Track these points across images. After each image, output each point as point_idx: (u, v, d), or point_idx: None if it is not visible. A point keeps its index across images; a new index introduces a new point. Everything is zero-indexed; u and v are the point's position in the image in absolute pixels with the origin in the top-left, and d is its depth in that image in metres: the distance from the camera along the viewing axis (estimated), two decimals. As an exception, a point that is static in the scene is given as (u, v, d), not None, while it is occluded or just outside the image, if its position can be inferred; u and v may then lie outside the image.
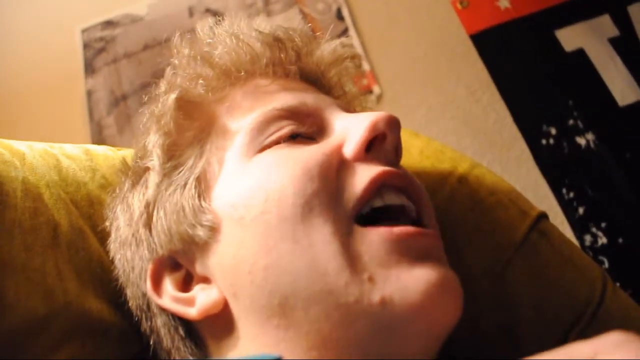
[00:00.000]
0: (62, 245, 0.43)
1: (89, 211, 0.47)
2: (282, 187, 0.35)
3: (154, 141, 0.41)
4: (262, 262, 0.34)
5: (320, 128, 0.40)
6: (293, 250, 0.33)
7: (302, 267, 0.33)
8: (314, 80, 0.47)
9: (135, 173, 0.42)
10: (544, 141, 0.92)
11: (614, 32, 0.96)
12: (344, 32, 1.11)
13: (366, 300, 0.32)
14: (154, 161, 0.40)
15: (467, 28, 1.03)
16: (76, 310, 0.40)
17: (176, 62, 0.43)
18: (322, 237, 0.33)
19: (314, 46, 0.46)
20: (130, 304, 0.41)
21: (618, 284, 0.51)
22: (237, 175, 0.37)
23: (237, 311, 0.35)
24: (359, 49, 1.10)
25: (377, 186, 0.35)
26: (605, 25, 0.97)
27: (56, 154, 0.50)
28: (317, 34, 0.47)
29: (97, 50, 1.23)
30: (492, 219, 0.50)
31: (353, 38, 1.10)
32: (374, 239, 0.33)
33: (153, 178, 0.40)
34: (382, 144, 0.38)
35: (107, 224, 0.44)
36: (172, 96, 0.41)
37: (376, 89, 1.07)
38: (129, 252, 0.40)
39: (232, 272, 0.35)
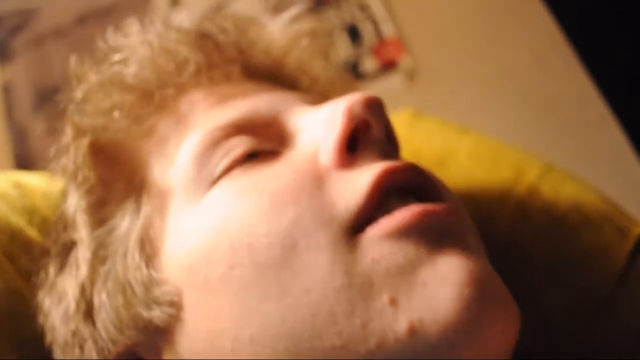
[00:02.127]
0: None
1: (29, 267, 0.47)
2: (250, 227, 0.35)
3: (74, 205, 0.41)
4: (245, 334, 0.34)
5: (282, 136, 0.41)
6: (282, 306, 0.34)
7: (301, 325, 0.33)
8: (268, 74, 0.47)
9: (60, 252, 0.43)
10: (646, 121, 0.92)
11: None
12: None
13: (391, 336, 0.32)
14: (80, 231, 0.41)
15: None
16: None
17: (79, 95, 0.44)
18: (318, 275, 0.33)
19: (257, 31, 0.47)
20: None
21: None
22: (188, 225, 0.38)
23: None
24: (379, 7, 1.10)
25: (382, 191, 0.35)
26: None
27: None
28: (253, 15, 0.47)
29: (12, 28, 1.25)
30: (579, 244, 0.50)
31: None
32: (378, 236, 0.34)
33: (83, 254, 0.41)
34: (367, 134, 0.38)
35: (40, 322, 0.44)
36: (84, 142, 0.41)
37: (405, 62, 1.07)
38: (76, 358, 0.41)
39: (212, 354, 0.36)
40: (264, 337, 0.34)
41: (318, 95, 0.45)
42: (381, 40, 1.10)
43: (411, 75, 1.05)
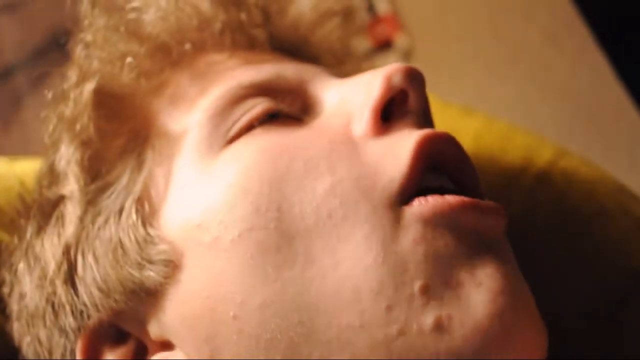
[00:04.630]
0: None
1: None
2: (280, 191, 0.36)
3: (67, 156, 0.42)
4: (255, 300, 0.35)
5: (307, 105, 0.42)
6: (307, 276, 0.34)
7: (321, 299, 0.34)
8: (292, 49, 0.48)
9: (42, 210, 0.43)
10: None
11: None
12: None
13: (415, 327, 0.33)
14: (71, 185, 0.41)
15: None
16: None
17: (89, 37, 0.44)
18: (351, 249, 0.34)
19: (287, 0, 0.48)
20: None
21: None
22: (199, 183, 0.39)
23: None
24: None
25: (425, 159, 0.36)
26: None
27: None
28: None
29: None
30: (594, 237, 0.51)
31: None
32: (424, 216, 0.35)
33: (72, 210, 0.41)
34: (403, 106, 0.39)
35: (5, 291, 0.44)
36: (89, 88, 0.42)
37: (401, 41, 1.07)
38: (43, 329, 0.41)
39: (207, 321, 0.36)
40: (277, 306, 0.35)
41: (342, 74, 0.46)
42: (375, 18, 1.11)
43: (407, 56, 1.05)
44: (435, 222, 0.35)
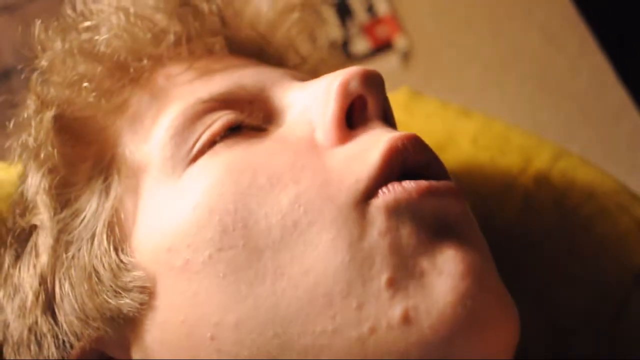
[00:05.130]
0: None
1: None
2: (244, 207, 0.36)
3: (35, 186, 0.42)
4: (230, 318, 0.35)
5: (269, 114, 0.42)
6: (278, 289, 0.35)
7: (295, 309, 0.34)
8: (254, 51, 0.48)
9: (18, 239, 0.43)
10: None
11: None
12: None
13: (384, 322, 0.33)
14: (42, 214, 0.41)
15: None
16: None
17: (44, 63, 0.44)
18: (320, 254, 0.35)
19: (243, 2, 0.47)
20: None
21: None
22: (166, 205, 0.39)
23: None
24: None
25: (394, 161, 0.36)
26: None
27: None
28: None
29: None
30: (594, 237, 0.51)
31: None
32: (385, 206, 0.35)
33: (44, 239, 0.41)
34: (364, 111, 0.39)
35: None
36: (48, 115, 0.42)
37: (401, 42, 1.07)
38: (30, 358, 0.41)
39: (186, 345, 0.37)
40: (252, 322, 0.35)
41: (306, 73, 0.47)
42: (374, 18, 1.10)
43: (407, 57, 1.05)
44: (397, 211, 0.35)
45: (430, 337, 0.33)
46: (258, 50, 0.48)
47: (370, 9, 1.11)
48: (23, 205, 0.43)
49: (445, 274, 0.34)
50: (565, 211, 0.52)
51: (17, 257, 0.43)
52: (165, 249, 0.38)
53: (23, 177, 0.44)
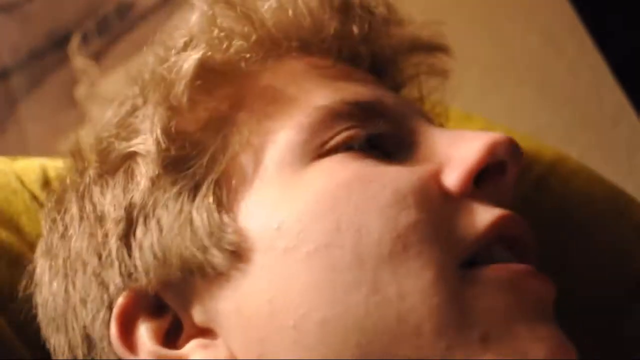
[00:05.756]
0: None
1: None
2: (363, 214, 0.37)
3: (152, 117, 0.42)
4: (318, 315, 0.36)
5: (402, 142, 0.42)
6: (371, 302, 0.36)
7: (382, 326, 0.35)
8: (382, 70, 0.49)
9: (107, 160, 0.43)
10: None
11: None
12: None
13: None
14: (148, 145, 0.41)
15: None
16: None
17: (204, 7, 0.45)
18: (419, 286, 0.36)
19: (394, 22, 0.48)
20: None
21: None
22: (286, 186, 0.39)
23: None
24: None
25: (496, 234, 0.38)
26: None
27: None
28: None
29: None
30: (593, 242, 0.51)
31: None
32: (495, 281, 0.37)
33: (145, 169, 0.41)
34: (497, 177, 0.40)
35: (44, 224, 0.45)
36: (194, 56, 0.42)
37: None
38: (82, 275, 0.41)
39: (264, 324, 0.37)
40: (337, 323, 0.36)
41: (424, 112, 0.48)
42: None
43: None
44: (499, 285, 0.37)
45: None
46: (385, 71, 0.49)
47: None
48: (125, 131, 0.43)
49: (544, 342, 0.36)
50: (564, 216, 0.52)
51: (101, 176, 0.43)
52: (273, 227, 0.38)
53: (133, 104, 0.44)
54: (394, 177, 0.39)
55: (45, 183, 0.50)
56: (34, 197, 0.50)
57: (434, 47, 0.50)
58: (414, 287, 0.36)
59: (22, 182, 0.51)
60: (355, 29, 0.46)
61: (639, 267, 0.51)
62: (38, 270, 0.44)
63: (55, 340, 0.43)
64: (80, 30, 1.20)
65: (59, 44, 1.19)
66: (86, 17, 1.20)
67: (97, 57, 1.20)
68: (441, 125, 0.49)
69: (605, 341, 0.49)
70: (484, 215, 0.38)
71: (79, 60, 1.20)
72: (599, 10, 1.00)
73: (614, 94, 0.96)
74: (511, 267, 0.38)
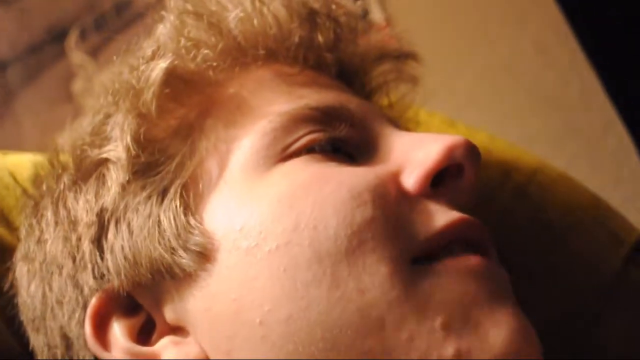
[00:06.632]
0: None
1: None
2: (320, 212, 0.38)
3: (122, 125, 0.42)
4: (282, 311, 0.37)
5: (366, 145, 0.43)
6: (332, 297, 0.37)
7: (346, 321, 0.36)
8: (350, 78, 0.50)
9: (81, 166, 0.44)
10: (655, 125, 0.92)
11: None
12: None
13: (436, 355, 0.36)
14: (120, 152, 0.42)
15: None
16: None
17: (172, 18, 0.46)
18: (376, 281, 0.37)
19: (361, 31, 0.49)
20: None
21: None
22: (249, 189, 0.40)
23: None
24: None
25: (454, 234, 0.39)
26: None
27: None
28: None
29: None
30: (569, 250, 0.52)
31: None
32: (450, 272, 0.38)
33: (116, 175, 0.42)
34: (455, 179, 0.41)
35: (22, 229, 0.46)
36: (162, 65, 0.43)
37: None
38: (58, 278, 0.42)
39: (231, 321, 0.38)
40: (302, 320, 0.37)
41: (392, 118, 0.48)
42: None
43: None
44: (454, 275, 0.38)
45: None
46: (354, 79, 0.50)
47: (365, 16, 1.12)
48: (97, 139, 0.44)
49: (503, 325, 0.37)
50: (541, 224, 0.52)
51: (75, 182, 0.44)
52: (237, 228, 0.39)
53: (105, 114, 0.45)
54: (351, 176, 0.40)
55: (37, 180, 0.51)
56: (26, 194, 0.51)
57: (403, 55, 0.51)
58: (372, 282, 0.37)
59: (14, 178, 0.51)
60: (320, 38, 0.47)
61: (607, 278, 0.51)
62: (17, 274, 0.45)
63: (35, 341, 0.44)
64: (78, 26, 1.21)
65: (56, 38, 1.19)
66: (84, 13, 1.20)
67: (95, 52, 1.21)
68: (408, 130, 0.49)
69: (574, 348, 0.50)
70: (439, 216, 0.39)
71: (76, 55, 1.20)
72: (590, 21, 1.00)
73: (603, 106, 0.96)
74: (465, 258, 0.39)
